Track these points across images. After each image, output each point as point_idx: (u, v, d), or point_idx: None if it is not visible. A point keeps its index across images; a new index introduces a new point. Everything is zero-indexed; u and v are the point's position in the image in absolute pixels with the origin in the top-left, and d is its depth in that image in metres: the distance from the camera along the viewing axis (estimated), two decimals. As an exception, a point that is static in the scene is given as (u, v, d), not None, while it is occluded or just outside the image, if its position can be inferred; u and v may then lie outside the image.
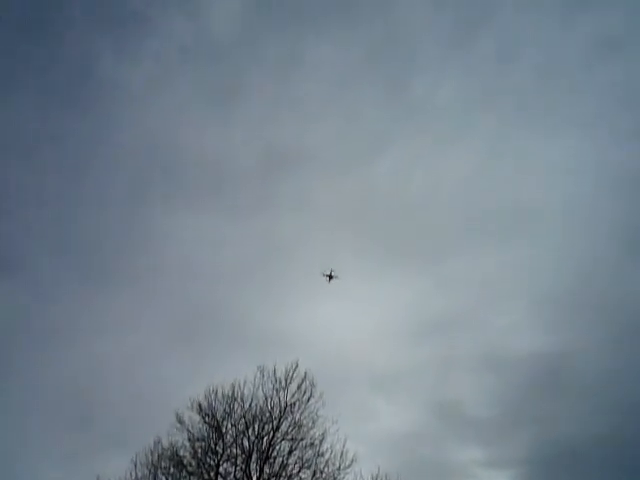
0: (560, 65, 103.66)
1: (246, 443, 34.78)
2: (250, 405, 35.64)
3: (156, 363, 69.08)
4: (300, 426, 35.14)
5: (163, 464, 34.34)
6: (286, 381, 36.18)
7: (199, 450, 34.90)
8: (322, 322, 75.71)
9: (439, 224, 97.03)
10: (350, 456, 34.01)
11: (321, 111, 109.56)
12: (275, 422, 35.12)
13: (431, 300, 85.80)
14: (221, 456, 34.67)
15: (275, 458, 34.46)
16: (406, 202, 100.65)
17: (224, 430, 35.14)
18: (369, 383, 68.62)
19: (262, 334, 70.40)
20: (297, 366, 36.54)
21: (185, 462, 34.54)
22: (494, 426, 68.54)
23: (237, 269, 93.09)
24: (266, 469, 34.12)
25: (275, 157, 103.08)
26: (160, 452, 34.72)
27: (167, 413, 36.36)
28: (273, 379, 36.24)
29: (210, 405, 35.78)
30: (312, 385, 36.15)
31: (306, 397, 35.85)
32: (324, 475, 33.87)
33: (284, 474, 34.07)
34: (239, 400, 35.78)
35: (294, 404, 35.69)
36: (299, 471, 34.23)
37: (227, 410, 35.53)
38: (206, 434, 35.27)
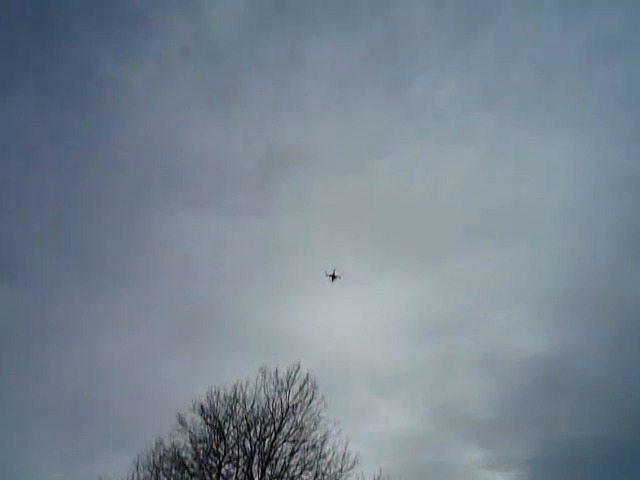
0: (560, 65, 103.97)
1: (248, 445, 34.75)
2: (252, 407, 35.62)
3: (156, 363, 69.24)
4: (302, 428, 35.10)
5: (165, 465, 34.32)
6: (288, 383, 36.15)
7: (201, 451, 34.86)
8: (322, 322, 75.85)
9: (439, 224, 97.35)
10: (352, 458, 34.04)
11: (321, 111, 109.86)
12: (277, 424, 35.08)
13: (431, 300, 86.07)
14: (223, 458, 34.63)
15: (277, 460, 34.43)
16: (406, 202, 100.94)
17: (226, 432, 35.11)
18: (369, 384, 68.80)
19: (262, 334, 70.58)
20: (299, 368, 36.53)
21: (187, 463, 34.50)
22: (494, 427, 68.76)
23: (237, 269, 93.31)
24: (268, 471, 34.08)
25: (275, 157, 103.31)
26: (162, 453, 34.71)
27: (168, 413, 36.49)
28: (275, 381, 36.25)
29: (212, 407, 35.75)
30: (314, 387, 36.12)
31: (308, 399, 35.81)
32: (326, 477, 33.82)
33: (286, 476, 34.02)
34: (241, 402, 35.75)
35: (296, 406, 35.64)
36: (301, 473, 34.20)
37: (229, 412, 35.50)
38: (208, 436, 35.25)
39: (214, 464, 34.56)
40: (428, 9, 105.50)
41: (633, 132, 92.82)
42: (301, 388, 35.96)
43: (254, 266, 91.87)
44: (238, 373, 36.85)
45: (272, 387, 36.06)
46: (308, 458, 34.46)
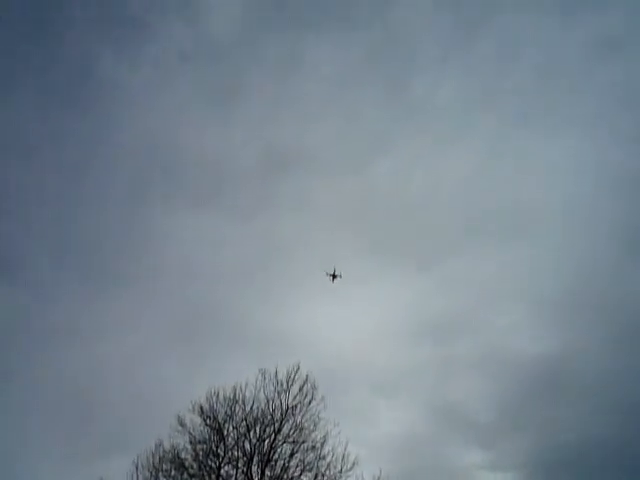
0: (560, 65, 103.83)
1: (247, 446, 34.75)
2: (251, 408, 35.60)
3: (156, 363, 69.19)
4: (301, 429, 35.08)
5: (164, 467, 34.32)
6: (287, 384, 36.13)
7: (200, 453, 34.85)
8: (322, 322, 75.84)
9: (439, 224, 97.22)
10: (351, 459, 34.01)
11: (321, 111, 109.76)
12: (276, 425, 35.06)
13: (431, 300, 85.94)
14: (222, 459, 34.63)
15: (276, 461, 34.42)
16: (406, 202, 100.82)
17: (225, 433, 35.10)
18: (369, 384, 68.70)
19: (262, 334, 70.53)
20: (298, 368, 36.50)
21: (186, 465, 34.49)
22: (494, 428, 68.70)
23: (237, 269, 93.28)
24: (267, 472, 34.09)
25: (275, 157, 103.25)
26: (161, 454, 34.70)
27: (168, 414, 36.44)
28: (274, 381, 36.22)
29: (211, 407, 35.74)
30: (313, 388, 36.09)
31: (307, 400, 35.78)
32: (325, 478, 33.82)
33: (285, 477, 34.02)
34: (240, 402, 35.73)
35: (295, 407, 35.62)
36: (300, 474, 34.19)
37: (228, 412, 35.48)
38: (207, 437, 35.22)
39: (214, 465, 34.55)
40: (428, 9, 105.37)
41: (633, 132, 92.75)
42: (301, 389, 35.94)
43: (254, 266, 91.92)
44: (238, 373, 36.94)
45: (272, 388, 36.08)
46: (308, 459, 34.46)
